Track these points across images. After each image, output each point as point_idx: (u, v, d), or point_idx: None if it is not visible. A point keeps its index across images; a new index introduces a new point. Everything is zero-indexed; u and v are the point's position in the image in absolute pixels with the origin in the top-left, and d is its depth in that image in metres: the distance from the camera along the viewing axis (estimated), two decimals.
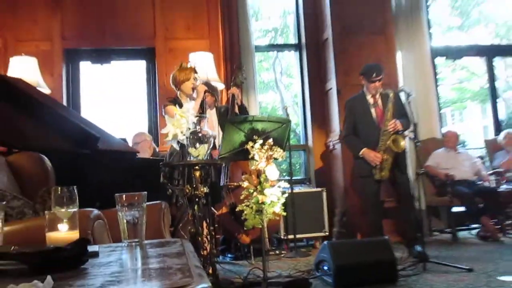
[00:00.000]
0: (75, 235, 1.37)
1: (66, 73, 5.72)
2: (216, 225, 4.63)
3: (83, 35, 5.64)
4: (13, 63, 4.91)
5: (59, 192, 1.49)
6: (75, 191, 1.53)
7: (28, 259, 1.06)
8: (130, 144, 4.73)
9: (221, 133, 4.19)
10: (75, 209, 1.47)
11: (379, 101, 4.45)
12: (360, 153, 4.41)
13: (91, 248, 1.26)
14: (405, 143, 4.16)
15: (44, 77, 5.09)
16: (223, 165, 4.58)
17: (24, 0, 5.56)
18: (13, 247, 1.18)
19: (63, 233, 1.37)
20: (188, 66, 4.16)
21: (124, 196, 1.50)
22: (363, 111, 4.51)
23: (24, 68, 4.84)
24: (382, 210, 4.55)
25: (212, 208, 4.10)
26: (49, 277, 0.87)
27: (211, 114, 4.53)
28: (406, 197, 4.15)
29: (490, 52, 7.31)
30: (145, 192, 1.55)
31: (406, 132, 4.43)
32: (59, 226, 1.38)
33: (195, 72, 4.09)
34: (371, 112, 4.48)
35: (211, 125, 4.26)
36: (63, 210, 1.44)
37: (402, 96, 4.43)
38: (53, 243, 1.32)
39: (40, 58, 5.15)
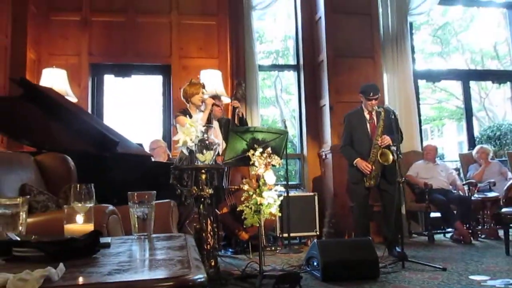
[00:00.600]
0: (90, 227, 1.36)
1: (92, 85, 5.72)
2: (219, 223, 4.62)
3: (107, 52, 5.65)
4: (45, 74, 4.91)
5: (78, 189, 1.48)
6: (93, 188, 1.52)
7: (45, 247, 1.05)
8: (146, 149, 4.71)
9: (222, 141, 4.20)
10: (92, 205, 1.46)
11: (374, 117, 4.44)
12: (354, 162, 4.40)
13: (104, 240, 1.25)
14: (393, 157, 4.13)
15: (72, 88, 5.09)
16: (225, 169, 4.58)
17: (57, 20, 5.58)
18: (33, 237, 1.17)
19: (79, 225, 1.36)
20: (197, 82, 4.18)
21: (135, 194, 1.49)
22: (359, 125, 4.50)
23: (55, 79, 4.84)
24: (369, 213, 4.52)
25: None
26: (61, 264, 0.86)
27: (215, 125, 4.53)
28: (391, 204, 4.13)
29: (466, 76, 7.31)
30: (155, 192, 1.54)
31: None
32: (76, 219, 1.38)
33: (203, 87, 4.12)
34: (366, 126, 4.47)
35: (215, 134, 4.26)
36: (80, 205, 1.44)
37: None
38: (70, 234, 1.31)
39: (69, 71, 5.16)
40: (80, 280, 0.86)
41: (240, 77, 5.64)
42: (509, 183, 4.73)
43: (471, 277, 3.27)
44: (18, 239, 1.16)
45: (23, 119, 3.19)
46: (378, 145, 4.28)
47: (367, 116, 4.48)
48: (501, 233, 4.70)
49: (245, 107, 5.69)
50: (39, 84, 4.64)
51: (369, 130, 4.46)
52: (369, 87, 4.45)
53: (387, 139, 4.26)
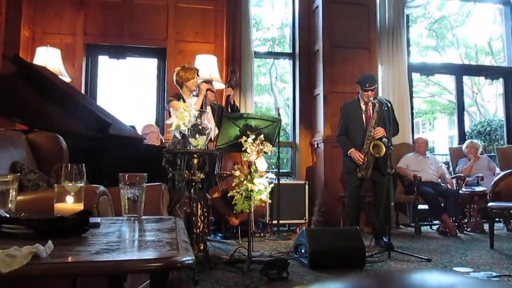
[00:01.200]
0: (79, 207, 1.35)
1: (86, 65, 5.67)
2: (210, 208, 4.63)
3: (103, 32, 5.59)
4: (39, 53, 4.85)
5: (69, 169, 1.47)
6: (84, 168, 1.51)
7: (34, 225, 1.05)
8: (139, 132, 4.69)
9: (215, 127, 4.19)
10: (82, 185, 1.46)
11: (370, 108, 4.43)
12: (348, 152, 4.41)
13: (93, 220, 1.25)
14: (386, 150, 4.14)
15: (66, 67, 5.04)
16: (218, 155, 4.58)
17: None
18: (23, 214, 1.17)
19: (69, 204, 1.36)
20: (191, 66, 4.16)
21: (126, 175, 1.49)
22: (354, 115, 4.49)
23: (49, 58, 4.78)
24: (359, 203, 4.55)
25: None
26: (50, 242, 0.86)
27: (208, 110, 4.52)
28: (381, 195, 4.15)
29: (459, 71, 7.33)
30: (146, 174, 1.53)
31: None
32: (67, 198, 1.37)
33: (197, 72, 4.11)
34: (362, 117, 4.47)
35: (207, 119, 4.25)
36: (71, 184, 1.43)
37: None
38: (59, 213, 1.31)
39: (63, 50, 5.11)
40: (68, 258, 0.86)
41: (235, 64, 5.61)
42: (496, 178, 4.78)
43: (455, 268, 3.31)
44: (8, 215, 1.15)
45: (16, 97, 3.16)
46: (372, 137, 4.29)
47: (363, 107, 4.48)
48: (486, 227, 4.76)
49: (239, 94, 5.67)
50: (32, 63, 4.58)
51: (364, 121, 4.46)
52: (366, 78, 4.44)
53: (380, 131, 4.27)
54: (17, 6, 5.01)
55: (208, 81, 4.53)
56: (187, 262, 0.84)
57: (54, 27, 5.44)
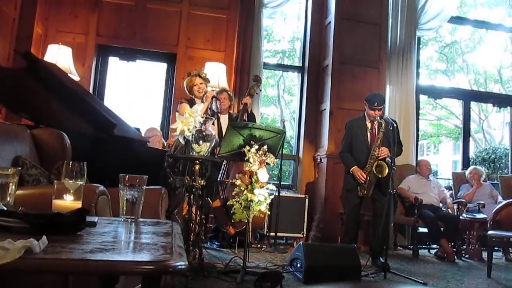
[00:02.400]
0: (78, 205, 1.35)
1: (96, 65, 5.70)
2: (211, 215, 4.62)
3: (115, 34, 5.63)
4: (50, 50, 4.90)
5: (70, 166, 1.48)
6: (85, 167, 1.52)
7: (30, 219, 1.05)
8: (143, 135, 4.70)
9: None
10: (82, 183, 1.46)
11: (376, 127, 4.42)
12: (351, 170, 4.39)
13: (90, 219, 1.25)
14: (389, 171, 4.11)
15: (76, 66, 5.08)
16: (223, 163, 4.57)
17: None
18: (20, 208, 1.17)
19: (68, 202, 1.36)
20: (196, 73, 4.16)
21: (127, 176, 1.49)
22: (359, 132, 4.47)
23: (60, 56, 4.82)
24: (358, 222, 4.53)
25: (209, 200, 4.09)
26: (44, 237, 0.86)
27: (224, 119, 4.53)
28: (380, 214, 4.12)
29: (468, 97, 7.31)
30: (146, 176, 1.53)
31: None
32: (65, 195, 1.37)
33: (200, 76, 4.10)
34: (366, 135, 4.45)
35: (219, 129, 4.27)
36: (71, 182, 1.43)
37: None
38: (57, 209, 1.31)
39: (75, 49, 5.15)
40: (62, 254, 0.86)
41: (243, 74, 5.65)
42: (498, 206, 4.74)
43: None
44: (5, 208, 1.15)
45: (24, 92, 3.18)
46: (376, 156, 4.28)
47: (369, 125, 4.46)
48: (484, 254, 4.71)
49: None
50: (43, 59, 4.62)
51: (369, 139, 4.45)
52: (375, 97, 4.41)
53: (385, 151, 4.25)
54: (32, 3, 5.07)
55: (224, 90, 4.56)
56: (180, 267, 0.84)
57: (67, 25, 5.49)
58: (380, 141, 4.29)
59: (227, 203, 3.55)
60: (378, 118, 4.32)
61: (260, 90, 4.97)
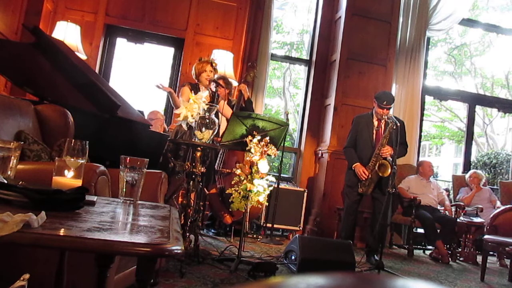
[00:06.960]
0: (78, 183, 1.35)
1: (103, 45, 5.69)
2: (207, 203, 4.64)
3: (124, 15, 5.61)
4: (59, 27, 4.88)
5: (72, 144, 1.48)
6: (87, 146, 1.51)
7: (30, 194, 1.05)
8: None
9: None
10: (83, 161, 1.46)
11: (382, 126, 4.41)
12: (353, 166, 4.39)
13: (89, 197, 1.25)
14: (391, 171, 4.10)
15: (83, 45, 5.06)
16: (221, 151, 4.58)
17: None
18: (21, 182, 1.17)
19: (68, 179, 1.36)
20: (206, 60, 4.14)
21: (128, 158, 1.49)
22: (365, 129, 4.46)
23: (68, 33, 4.81)
24: (356, 218, 4.53)
25: (205, 189, 4.10)
26: (43, 213, 0.86)
27: (224, 105, 4.52)
28: (379, 213, 4.13)
29: (473, 100, 7.28)
30: (147, 159, 1.53)
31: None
32: (66, 173, 1.37)
33: (211, 65, 4.08)
34: (372, 132, 4.44)
35: (225, 114, 4.27)
36: (72, 159, 1.43)
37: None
38: (57, 186, 1.31)
39: (83, 27, 5.13)
40: (59, 231, 0.86)
41: (254, 60, 5.62)
42: (496, 211, 4.74)
43: None
44: (5, 182, 1.16)
45: (30, 67, 3.18)
46: (379, 155, 4.27)
47: (375, 123, 4.45)
48: (479, 258, 4.73)
49: (251, 93, 5.67)
50: (51, 36, 4.60)
51: (374, 137, 4.44)
52: (385, 95, 4.38)
53: (388, 150, 4.23)
54: None
55: (221, 78, 4.53)
56: (175, 251, 0.84)
57: (77, 3, 5.47)
58: (386, 140, 4.28)
59: (226, 192, 3.55)
60: (386, 117, 4.31)
61: (256, 77, 4.99)
